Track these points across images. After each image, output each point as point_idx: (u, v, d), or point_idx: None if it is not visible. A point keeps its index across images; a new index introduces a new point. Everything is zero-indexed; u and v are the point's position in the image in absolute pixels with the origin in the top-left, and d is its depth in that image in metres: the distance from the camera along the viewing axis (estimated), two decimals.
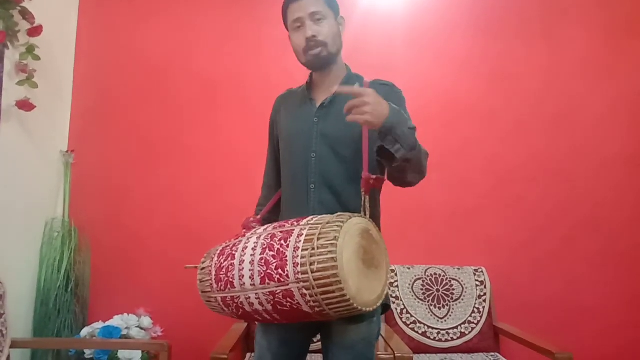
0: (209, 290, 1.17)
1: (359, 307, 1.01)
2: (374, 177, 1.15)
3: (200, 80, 2.48)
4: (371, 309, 1.05)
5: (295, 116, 1.32)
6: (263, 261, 1.07)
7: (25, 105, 2.04)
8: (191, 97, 2.47)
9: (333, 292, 0.99)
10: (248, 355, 2.09)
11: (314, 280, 0.99)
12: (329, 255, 0.99)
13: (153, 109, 2.47)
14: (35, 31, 2.07)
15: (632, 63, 2.52)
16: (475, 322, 2.21)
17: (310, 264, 1.00)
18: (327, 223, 1.05)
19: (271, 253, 1.06)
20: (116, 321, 2.11)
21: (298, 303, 1.03)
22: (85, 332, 2.08)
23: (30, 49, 2.07)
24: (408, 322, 2.19)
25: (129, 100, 2.47)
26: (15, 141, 2.08)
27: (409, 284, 2.27)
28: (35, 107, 2.07)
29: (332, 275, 0.98)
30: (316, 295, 1.00)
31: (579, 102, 2.50)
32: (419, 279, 2.29)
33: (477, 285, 2.28)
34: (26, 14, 2.04)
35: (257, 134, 2.36)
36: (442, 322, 2.21)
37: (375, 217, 1.20)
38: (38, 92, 2.12)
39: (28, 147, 2.17)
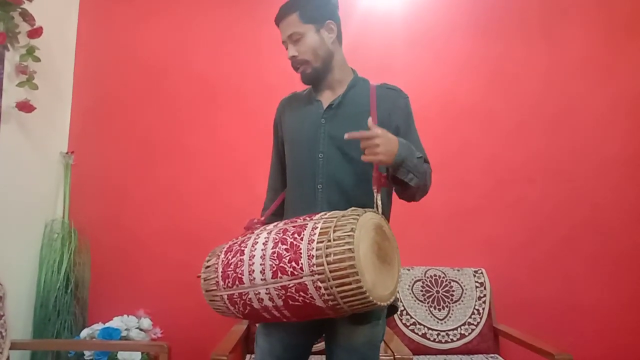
0: (214, 288, 1.15)
1: (374, 301, 1.00)
2: (385, 175, 1.17)
3: (200, 81, 2.48)
4: (386, 304, 1.04)
5: (302, 118, 1.33)
6: (275, 255, 1.05)
7: (25, 106, 2.04)
8: (191, 98, 2.47)
9: (349, 284, 0.97)
10: (248, 356, 2.09)
11: (330, 272, 0.98)
12: (346, 247, 0.98)
13: (153, 110, 2.47)
14: (36, 33, 2.07)
15: (632, 63, 2.52)
16: (475, 323, 2.20)
17: (327, 256, 0.98)
18: (343, 216, 1.04)
19: (284, 246, 1.05)
20: (116, 322, 2.10)
21: (311, 297, 1.01)
22: (84, 333, 2.07)
23: (31, 51, 2.07)
24: (408, 324, 2.19)
25: (129, 102, 2.47)
26: (15, 142, 2.08)
27: (409, 286, 2.27)
28: (35, 108, 2.07)
29: (349, 266, 0.97)
30: (331, 288, 0.98)
31: (579, 103, 2.50)
32: (419, 280, 2.28)
33: (476, 287, 2.28)
34: (26, 16, 2.04)
35: (256, 135, 2.39)
36: (441, 323, 2.21)
37: (385, 216, 1.20)
38: (38, 93, 2.12)
39: (28, 149, 2.18)
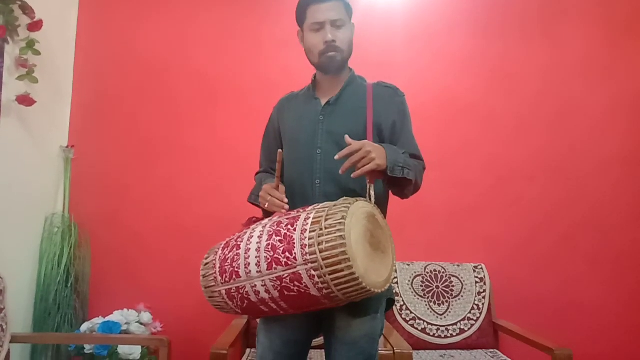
0: (213, 284, 1.16)
1: (368, 288, 1.01)
2: None
3: (200, 77, 2.47)
4: (379, 291, 1.05)
5: (300, 115, 1.34)
6: (270, 247, 1.07)
7: (25, 100, 2.03)
8: (190, 94, 2.47)
9: (342, 270, 0.98)
10: (248, 350, 2.10)
11: (323, 260, 0.99)
12: (338, 234, 0.99)
13: (153, 105, 2.47)
14: (36, 26, 2.06)
15: (632, 63, 2.53)
16: (475, 318, 2.22)
17: (319, 244, 1.00)
18: (334, 206, 1.06)
19: (278, 238, 1.06)
20: (116, 316, 2.11)
21: (306, 286, 1.02)
22: (85, 327, 2.07)
23: (31, 44, 2.07)
24: (407, 319, 2.20)
25: (129, 96, 2.47)
26: (15, 136, 2.08)
27: (409, 281, 2.28)
28: (36, 102, 2.07)
29: (340, 253, 0.98)
30: (324, 276, 0.99)
31: (578, 102, 2.51)
32: (419, 275, 2.30)
33: (476, 282, 2.29)
34: (26, 9, 2.03)
35: (255, 132, 2.35)
36: (441, 318, 2.22)
37: (381, 209, 1.21)
38: (38, 87, 2.12)
39: (28, 143, 2.17)
